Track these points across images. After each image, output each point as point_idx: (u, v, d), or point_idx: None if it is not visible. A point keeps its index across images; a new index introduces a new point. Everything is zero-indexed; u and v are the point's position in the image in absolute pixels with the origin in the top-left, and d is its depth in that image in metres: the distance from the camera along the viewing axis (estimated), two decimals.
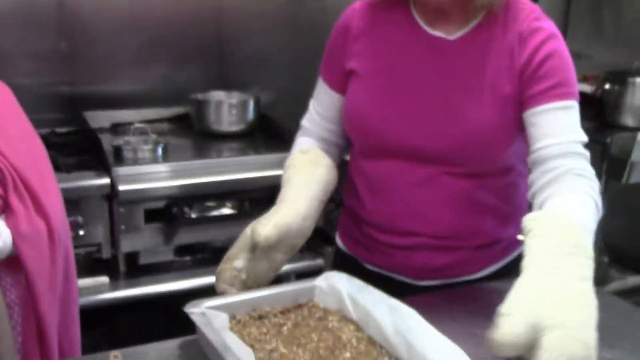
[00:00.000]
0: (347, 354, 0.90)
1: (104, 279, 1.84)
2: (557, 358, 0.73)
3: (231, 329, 0.93)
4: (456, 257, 1.17)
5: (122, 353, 0.91)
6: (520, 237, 0.92)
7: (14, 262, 1.23)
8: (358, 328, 0.97)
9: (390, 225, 1.17)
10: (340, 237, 1.32)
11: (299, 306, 1.02)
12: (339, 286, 1.02)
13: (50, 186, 1.30)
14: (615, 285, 2.38)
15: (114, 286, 1.87)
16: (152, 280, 1.91)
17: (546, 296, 0.79)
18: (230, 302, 0.97)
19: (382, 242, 1.19)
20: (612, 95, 2.41)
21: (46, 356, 1.28)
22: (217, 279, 1.04)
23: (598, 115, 2.45)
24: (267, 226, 0.99)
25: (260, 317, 0.97)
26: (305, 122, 1.28)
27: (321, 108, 1.24)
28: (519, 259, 1.21)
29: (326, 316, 1.00)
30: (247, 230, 1.04)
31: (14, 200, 1.20)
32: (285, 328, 0.96)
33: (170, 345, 0.96)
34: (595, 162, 1.05)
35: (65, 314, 1.33)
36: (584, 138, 1.06)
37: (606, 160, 2.20)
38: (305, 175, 1.14)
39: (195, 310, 0.92)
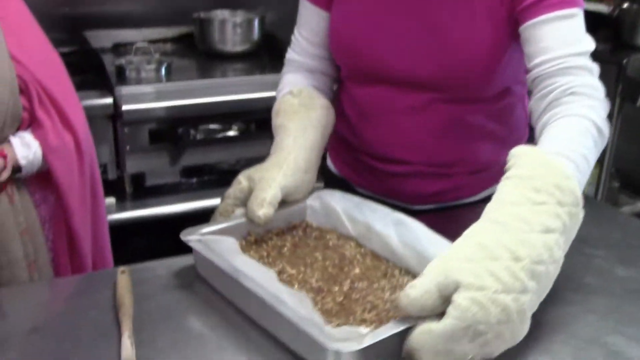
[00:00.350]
0: (357, 270, 0.89)
1: (111, 200, 1.84)
2: (460, 317, 0.66)
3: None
4: (451, 183, 1.14)
5: (131, 269, 0.90)
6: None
7: (42, 178, 1.24)
8: (358, 244, 0.96)
9: (382, 153, 1.13)
10: (331, 159, 1.28)
11: (293, 227, 0.99)
12: (332, 204, 0.99)
13: (73, 99, 1.28)
14: (625, 210, 2.37)
15: (120, 207, 1.87)
16: (158, 202, 1.91)
17: (477, 251, 0.70)
18: (225, 227, 0.93)
19: (374, 168, 1.16)
20: (630, 15, 2.34)
21: (79, 272, 1.30)
22: (212, 216, 0.99)
23: (614, 36, 2.38)
24: (264, 206, 0.91)
25: (257, 241, 0.95)
26: (290, 54, 1.18)
27: (307, 32, 1.14)
28: None
29: (323, 235, 0.98)
30: (242, 180, 0.96)
31: (40, 113, 1.19)
32: (285, 249, 0.93)
33: (179, 262, 0.95)
34: (610, 84, 0.99)
35: (95, 231, 1.35)
36: (589, 47, 0.94)
37: (621, 82, 2.14)
38: (300, 121, 1.05)
39: (193, 237, 0.89)
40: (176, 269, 0.86)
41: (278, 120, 1.07)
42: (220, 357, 0.77)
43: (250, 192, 0.94)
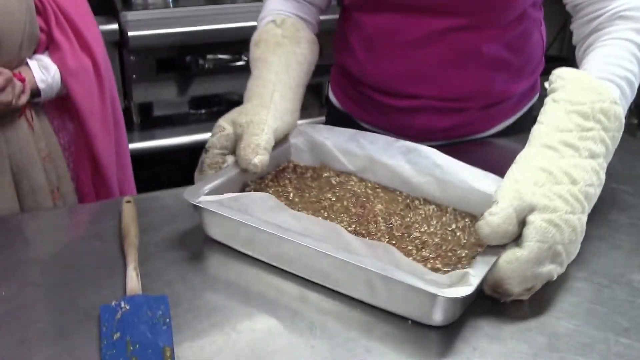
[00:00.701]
0: (379, 205, 0.84)
1: None
2: (542, 239, 0.68)
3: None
4: (462, 118, 1.08)
5: (137, 198, 0.87)
6: (546, 84, 0.83)
7: (60, 104, 1.20)
8: (361, 179, 0.90)
9: (390, 87, 1.06)
10: (333, 92, 1.21)
11: (283, 170, 0.92)
12: (320, 139, 0.93)
13: (90, 21, 1.23)
14: None
15: (128, 138, 1.83)
16: (166, 133, 1.87)
17: (542, 175, 0.71)
18: (223, 181, 0.83)
19: (381, 103, 1.09)
20: None
21: (106, 198, 1.28)
22: (199, 171, 0.88)
23: None
24: (258, 152, 0.83)
25: (256, 190, 0.87)
26: None
27: None
28: (530, 112, 1.15)
29: (318, 173, 0.92)
30: (225, 126, 0.87)
31: (58, 34, 1.15)
32: (291, 195, 0.86)
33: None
34: None
35: (119, 158, 1.32)
36: None
37: None
38: (283, 56, 0.96)
39: (209, 199, 0.78)
40: (184, 199, 0.82)
41: (258, 52, 0.98)
42: (231, 292, 0.74)
43: (236, 138, 0.87)
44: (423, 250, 0.76)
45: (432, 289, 0.64)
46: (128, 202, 0.85)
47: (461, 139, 1.11)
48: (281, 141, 0.92)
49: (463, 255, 0.75)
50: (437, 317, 0.67)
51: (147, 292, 0.71)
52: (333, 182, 0.89)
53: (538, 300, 0.72)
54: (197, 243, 0.81)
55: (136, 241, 0.78)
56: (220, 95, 1.96)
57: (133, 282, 0.71)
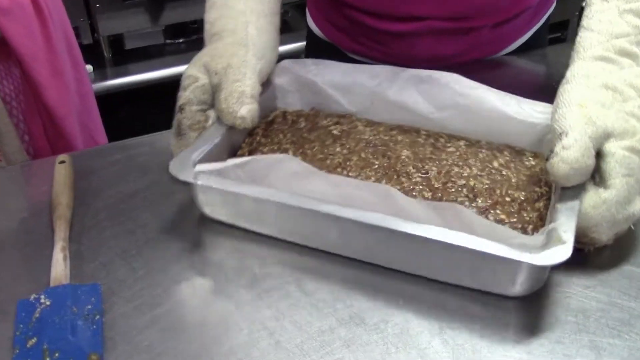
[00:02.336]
0: (404, 151, 0.69)
1: (88, 68, 1.64)
2: (628, 172, 0.57)
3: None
4: (470, 40, 0.91)
5: (90, 152, 0.72)
6: None
7: (3, 47, 1.04)
8: (368, 122, 0.75)
9: (383, 7, 0.88)
10: (313, 18, 1.03)
11: (271, 122, 0.76)
12: (309, 77, 0.77)
13: None
14: None
15: (100, 75, 1.68)
16: (141, 67, 1.71)
17: (607, 94, 0.60)
18: (211, 147, 0.67)
19: (374, 29, 0.91)
20: None
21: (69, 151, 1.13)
22: (177, 135, 0.71)
23: None
24: (245, 102, 0.68)
25: (251, 152, 0.72)
26: None
27: None
28: (546, 25, 0.99)
29: (313, 122, 0.75)
30: (199, 75, 0.70)
31: None
32: (291, 154, 0.70)
33: (148, 141, 0.79)
34: None
35: (81, 106, 1.17)
36: None
37: None
38: None
39: (205, 168, 0.63)
40: (156, 150, 0.68)
41: None
42: (185, 276, 0.60)
43: (214, 89, 0.70)
44: (477, 199, 0.62)
45: (536, 259, 0.51)
46: (62, 162, 0.71)
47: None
48: (264, 85, 0.75)
49: (522, 198, 0.62)
50: (528, 286, 0.55)
51: (77, 280, 0.58)
52: (336, 131, 0.73)
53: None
54: (147, 210, 0.67)
55: (68, 213, 0.65)
56: (199, 21, 1.77)
57: (58, 267, 0.58)
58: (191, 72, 0.71)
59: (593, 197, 0.57)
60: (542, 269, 0.54)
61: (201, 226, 0.65)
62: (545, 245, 0.53)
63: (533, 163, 0.67)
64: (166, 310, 0.56)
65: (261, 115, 0.73)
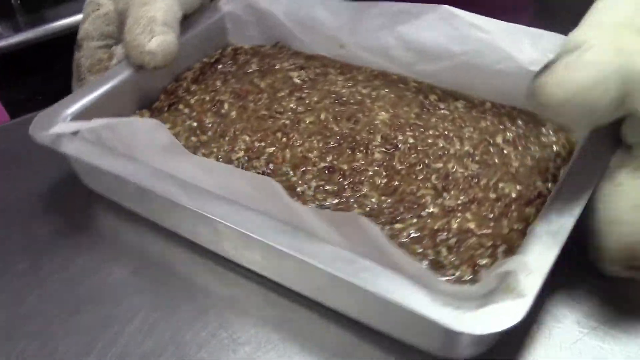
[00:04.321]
0: (382, 113, 0.54)
1: None
2: None
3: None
4: None
5: None
6: None
7: None
8: (345, 67, 0.59)
9: None
10: None
11: (215, 61, 0.62)
12: (263, 6, 0.62)
13: None
14: None
15: (10, 28, 1.46)
16: (60, 13, 1.49)
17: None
18: (98, 99, 0.53)
19: None
20: None
21: None
22: (77, 81, 0.60)
23: None
24: (154, 32, 0.52)
25: (171, 105, 0.57)
26: None
27: None
28: None
29: (272, 63, 0.60)
30: (101, 1, 0.57)
31: None
32: (226, 106, 0.56)
33: None
34: None
35: None
36: None
37: None
38: None
39: (63, 129, 0.49)
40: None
41: None
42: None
43: (121, 18, 0.56)
44: (445, 194, 0.46)
45: (448, 319, 0.34)
46: None
47: None
48: (204, 13, 0.61)
49: (513, 196, 0.45)
50: (461, 351, 0.38)
51: None
52: (296, 79, 0.59)
53: None
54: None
55: None
56: None
57: None
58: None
59: (632, 192, 0.38)
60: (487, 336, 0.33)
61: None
62: (489, 295, 0.34)
63: (554, 139, 0.52)
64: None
65: (202, 54, 0.60)
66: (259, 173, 0.49)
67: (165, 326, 0.46)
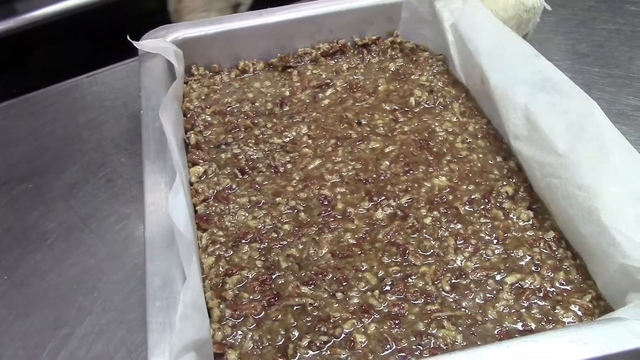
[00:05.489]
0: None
1: None
2: None
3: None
4: None
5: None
6: None
7: None
8: (467, 108, 0.55)
9: None
10: None
11: (363, 46, 0.63)
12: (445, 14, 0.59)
13: None
14: None
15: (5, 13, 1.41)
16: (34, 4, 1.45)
17: None
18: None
19: None
20: None
21: None
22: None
23: None
24: None
25: (288, 67, 0.61)
26: None
27: None
28: None
29: (410, 71, 0.60)
30: None
31: None
32: (333, 96, 0.57)
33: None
34: None
35: None
36: None
37: None
38: None
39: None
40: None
41: None
42: None
43: None
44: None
45: None
46: None
47: None
48: None
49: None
50: None
51: None
52: (412, 100, 0.56)
53: None
54: None
55: None
56: None
57: None
58: None
59: None
60: None
61: None
62: None
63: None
64: None
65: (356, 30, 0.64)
66: (277, 152, 0.51)
67: (116, 328, 0.45)
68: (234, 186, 0.48)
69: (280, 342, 0.37)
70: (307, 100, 0.56)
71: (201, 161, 0.50)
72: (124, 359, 0.43)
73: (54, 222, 0.54)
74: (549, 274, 0.40)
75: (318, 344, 0.37)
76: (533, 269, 0.41)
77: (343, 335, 0.37)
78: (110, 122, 0.64)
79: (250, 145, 0.52)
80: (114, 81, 0.70)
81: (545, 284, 0.40)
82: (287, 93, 0.57)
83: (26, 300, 0.47)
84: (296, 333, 0.38)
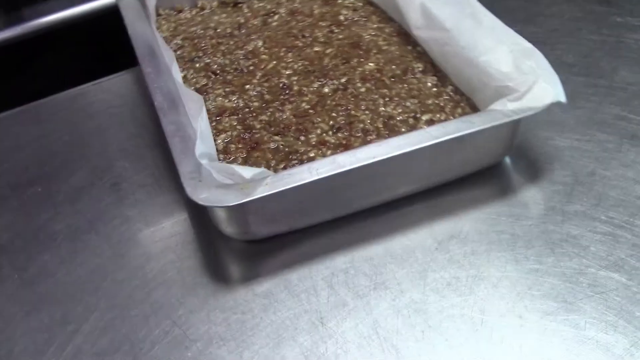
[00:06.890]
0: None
1: None
2: None
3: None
4: None
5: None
6: None
7: None
8: (383, 18, 0.74)
9: None
10: None
11: None
12: None
13: None
14: None
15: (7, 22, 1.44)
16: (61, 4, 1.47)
17: None
18: None
19: None
20: None
21: None
22: None
23: None
24: None
25: (239, 3, 0.79)
26: None
27: None
28: None
29: None
30: None
31: None
32: (279, 20, 0.75)
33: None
34: None
35: None
36: None
37: None
38: None
39: None
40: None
41: None
42: None
43: None
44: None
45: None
46: None
47: None
48: None
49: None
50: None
51: None
52: (341, 17, 0.75)
53: None
54: None
55: None
56: None
57: None
58: None
59: None
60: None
61: None
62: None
63: None
64: None
65: None
66: (241, 59, 0.69)
67: (120, 324, 0.47)
68: (209, 84, 0.66)
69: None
70: (259, 25, 0.75)
71: (180, 68, 0.67)
72: (128, 353, 0.46)
73: (61, 224, 0.57)
74: (451, 110, 0.60)
75: (291, 167, 0.54)
76: (439, 109, 0.60)
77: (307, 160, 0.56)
78: (115, 128, 0.68)
79: (219, 56, 0.70)
80: (120, 89, 0.74)
81: (450, 117, 0.60)
82: (242, 20, 0.75)
83: (36, 298, 0.50)
84: (274, 163, 0.56)
